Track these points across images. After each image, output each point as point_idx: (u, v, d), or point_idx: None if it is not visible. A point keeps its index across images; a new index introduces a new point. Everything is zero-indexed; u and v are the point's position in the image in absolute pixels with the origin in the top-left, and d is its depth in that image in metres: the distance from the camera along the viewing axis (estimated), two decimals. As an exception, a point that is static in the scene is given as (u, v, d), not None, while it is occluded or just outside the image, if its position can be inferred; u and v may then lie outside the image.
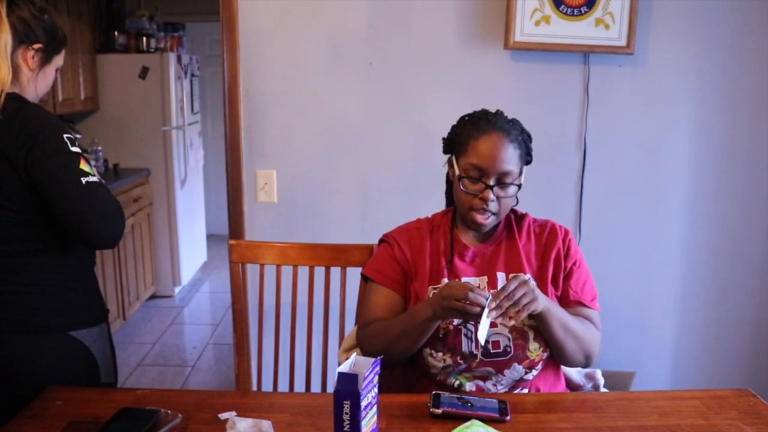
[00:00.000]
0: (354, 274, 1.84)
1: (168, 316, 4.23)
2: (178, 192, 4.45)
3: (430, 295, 1.43)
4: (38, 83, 1.50)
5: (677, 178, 2.40)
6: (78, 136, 1.46)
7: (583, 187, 2.37)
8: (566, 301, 1.46)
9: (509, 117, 1.49)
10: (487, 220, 1.42)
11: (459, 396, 1.29)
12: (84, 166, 1.43)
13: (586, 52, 2.26)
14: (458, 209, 1.49)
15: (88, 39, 4.09)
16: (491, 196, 1.39)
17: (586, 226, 2.39)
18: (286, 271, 1.86)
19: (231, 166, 2.33)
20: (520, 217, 1.55)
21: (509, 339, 1.38)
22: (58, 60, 1.53)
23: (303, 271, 1.84)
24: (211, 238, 5.62)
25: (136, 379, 3.34)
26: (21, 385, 1.46)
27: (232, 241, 1.87)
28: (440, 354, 1.40)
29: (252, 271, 1.96)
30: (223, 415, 1.24)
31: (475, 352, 1.38)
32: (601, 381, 1.57)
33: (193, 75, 4.81)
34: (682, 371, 2.56)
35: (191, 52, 5.37)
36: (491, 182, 1.40)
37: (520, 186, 1.43)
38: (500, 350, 1.38)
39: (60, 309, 1.51)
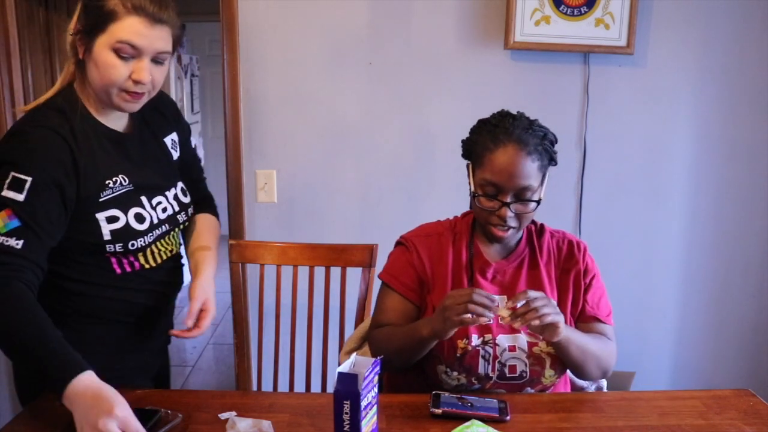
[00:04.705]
0: (354, 274, 1.84)
1: (168, 316, 4.23)
2: (178, 192, 4.44)
3: None
4: (92, 72, 1.32)
5: (677, 177, 2.41)
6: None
7: (583, 186, 2.37)
8: (583, 317, 1.44)
9: (531, 118, 1.38)
10: (507, 233, 1.36)
11: (459, 396, 1.29)
12: None
13: (586, 52, 2.26)
14: (477, 221, 1.43)
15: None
16: (509, 213, 1.32)
17: (586, 226, 2.38)
18: (286, 271, 1.86)
19: (231, 166, 2.33)
20: (539, 231, 1.48)
21: (526, 364, 1.36)
22: (110, 39, 1.27)
23: (303, 271, 1.84)
24: (211, 238, 5.61)
25: (136, 379, 3.33)
26: None
27: (232, 241, 1.88)
28: (455, 373, 1.37)
29: (252, 271, 1.96)
30: (223, 415, 1.24)
31: (491, 375, 1.36)
32: (605, 383, 1.57)
33: (192, 75, 4.81)
34: (682, 371, 2.56)
35: (191, 52, 5.36)
36: (508, 199, 1.32)
37: (539, 201, 1.34)
38: (516, 374, 1.36)
39: None
